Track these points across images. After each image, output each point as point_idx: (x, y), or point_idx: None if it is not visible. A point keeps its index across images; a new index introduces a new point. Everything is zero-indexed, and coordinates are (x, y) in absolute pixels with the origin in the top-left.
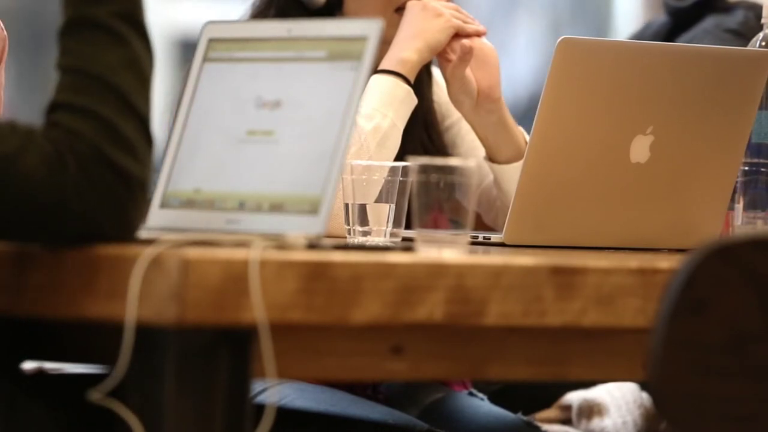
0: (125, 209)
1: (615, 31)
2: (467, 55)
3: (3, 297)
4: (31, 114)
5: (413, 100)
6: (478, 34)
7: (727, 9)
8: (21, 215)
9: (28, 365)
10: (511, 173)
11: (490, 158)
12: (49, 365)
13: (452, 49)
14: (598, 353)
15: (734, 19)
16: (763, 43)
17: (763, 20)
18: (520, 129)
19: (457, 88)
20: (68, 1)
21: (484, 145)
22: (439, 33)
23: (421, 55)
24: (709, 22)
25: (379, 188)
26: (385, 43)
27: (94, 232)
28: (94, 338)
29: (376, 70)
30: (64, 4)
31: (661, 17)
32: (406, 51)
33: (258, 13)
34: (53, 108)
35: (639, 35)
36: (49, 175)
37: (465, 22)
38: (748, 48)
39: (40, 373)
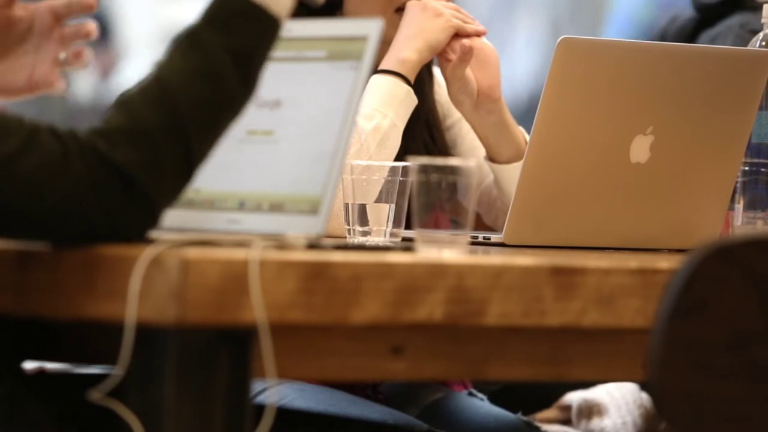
0: (123, 220)
1: (615, 31)
2: (467, 55)
3: (3, 297)
4: (31, 114)
5: (413, 100)
6: (478, 34)
7: (756, 9)
8: (19, 214)
9: (29, 365)
10: (511, 173)
11: (491, 158)
12: (50, 365)
13: (452, 49)
14: (598, 353)
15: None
16: (763, 43)
17: (763, 20)
18: (520, 129)
19: (457, 88)
20: (201, 14)
21: (485, 145)
22: (439, 33)
23: (421, 55)
24: (735, 20)
25: (379, 188)
26: (385, 43)
27: (89, 235)
28: (94, 338)
29: (376, 70)
30: (198, 14)
31: (687, 12)
32: (406, 51)
33: None
34: (121, 95)
35: (664, 29)
36: (49, 176)
37: (465, 22)
38: (748, 48)
39: (40, 373)
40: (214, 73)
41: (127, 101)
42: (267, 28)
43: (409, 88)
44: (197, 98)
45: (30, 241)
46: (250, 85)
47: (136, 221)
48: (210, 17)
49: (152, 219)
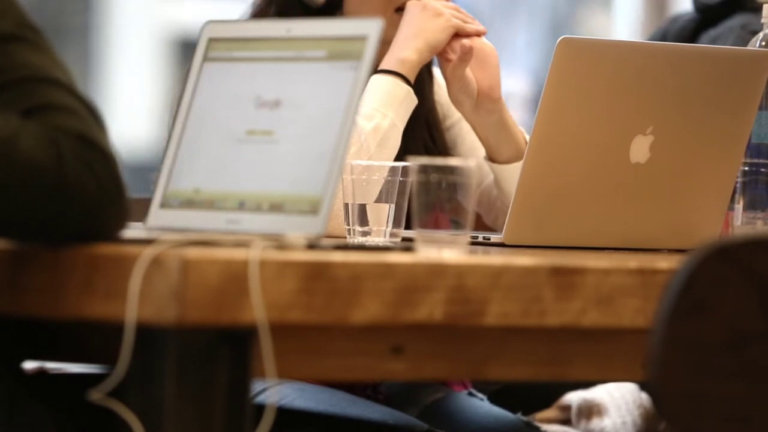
0: (121, 188)
1: (615, 31)
2: (467, 54)
3: (3, 297)
4: None
5: (413, 100)
6: (478, 34)
7: (757, 9)
8: (23, 202)
9: (29, 365)
10: (511, 173)
11: (491, 158)
12: (50, 365)
13: (452, 49)
14: (598, 353)
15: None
16: (763, 43)
17: (763, 20)
18: (521, 129)
19: (458, 88)
20: None
21: (485, 145)
22: (439, 33)
23: (421, 55)
24: (736, 21)
25: (379, 188)
26: (385, 43)
27: (97, 219)
28: (94, 338)
29: (376, 70)
30: None
31: (688, 12)
32: (406, 51)
33: (258, 13)
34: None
35: (665, 29)
36: (50, 162)
37: (465, 22)
38: (748, 48)
39: (40, 373)
40: (33, 42)
41: (33, 107)
42: None
43: (409, 88)
44: (51, 64)
45: (31, 235)
46: (43, 34)
47: (124, 184)
48: None
49: (118, 178)
